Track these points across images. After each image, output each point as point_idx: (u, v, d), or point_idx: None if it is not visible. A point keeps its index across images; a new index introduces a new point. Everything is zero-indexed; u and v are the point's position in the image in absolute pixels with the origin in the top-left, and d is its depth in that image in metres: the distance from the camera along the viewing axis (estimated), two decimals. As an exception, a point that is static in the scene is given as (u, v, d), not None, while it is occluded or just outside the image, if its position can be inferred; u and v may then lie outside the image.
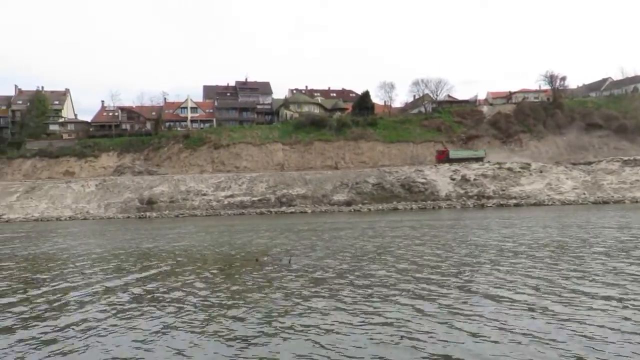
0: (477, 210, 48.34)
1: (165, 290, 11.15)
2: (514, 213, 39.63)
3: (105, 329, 7.95)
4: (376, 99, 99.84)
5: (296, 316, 8.30)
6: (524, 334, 6.84)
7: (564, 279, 10.78)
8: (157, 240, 25.09)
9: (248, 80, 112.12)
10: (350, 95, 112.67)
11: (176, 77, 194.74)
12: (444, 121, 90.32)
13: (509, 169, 63.01)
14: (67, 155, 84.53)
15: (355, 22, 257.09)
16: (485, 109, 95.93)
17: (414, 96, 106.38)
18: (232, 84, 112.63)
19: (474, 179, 60.15)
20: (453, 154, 73.57)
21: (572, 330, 6.96)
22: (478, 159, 71.37)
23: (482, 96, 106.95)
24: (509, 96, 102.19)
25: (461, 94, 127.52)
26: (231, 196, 60.46)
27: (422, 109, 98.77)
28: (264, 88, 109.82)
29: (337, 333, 7.20)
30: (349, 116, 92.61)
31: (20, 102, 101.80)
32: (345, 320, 7.86)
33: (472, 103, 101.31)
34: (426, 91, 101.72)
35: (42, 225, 46.80)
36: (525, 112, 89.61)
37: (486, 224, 28.74)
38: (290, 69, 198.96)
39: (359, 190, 59.54)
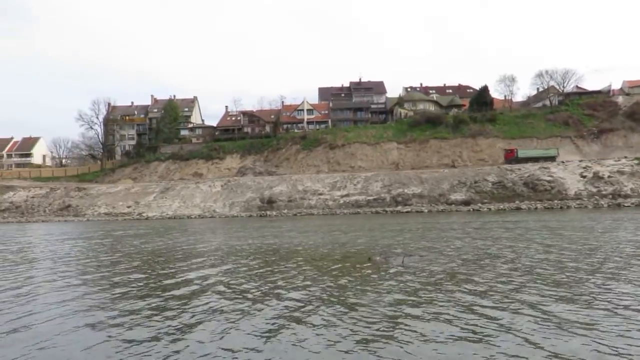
0: (613, 210, 44.21)
1: (274, 285, 11.56)
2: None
3: (214, 321, 8.48)
4: (495, 93, 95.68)
5: (405, 316, 8.24)
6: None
7: None
8: (274, 237, 26.16)
9: (362, 80, 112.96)
10: (467, 90, 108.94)
11: (293, 81, 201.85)
12: (572, 114, 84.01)
13: (651, 164, 56.83)
14: (196, 157, 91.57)
15: (472, 14, 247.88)
16: (620, 99, 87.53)
17: (538, 89, 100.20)
18: (347, 84, 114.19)
19: (609, 176, 55.05)
20: (522, 153, 70.49)
21: None
22: (549, 158, 67.31)
23: (616, 86, 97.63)
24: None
25: (592, 84, 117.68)
26: (346, 195, 61.19)
27: (547, 102, 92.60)
28: (378, 87, 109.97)
29: (438, 341, 7.03)
30: (466, 112, 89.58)
31: (155, 110, 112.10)
32: (451, 324, 7.69)
33: (605, 94, 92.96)
34: (551, 83, 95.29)
35: (173, 222, 50.90)
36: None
37: (619, 225, 26.19)
38: (405, 67, 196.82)
39: (478, 189, 57.25)
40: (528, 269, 12.60)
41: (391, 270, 13.13)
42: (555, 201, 52.29)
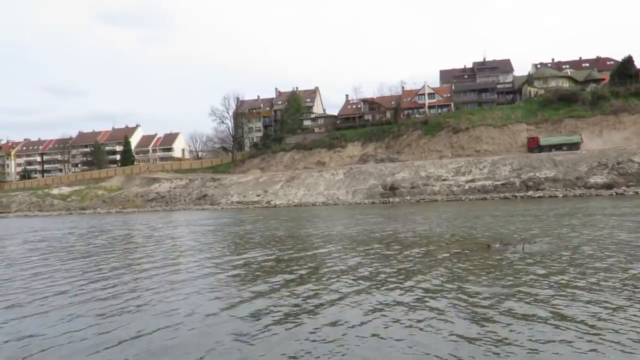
0: None
1: (391, 272, 11.46)
2: None
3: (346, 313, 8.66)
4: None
5: (519, 306, 7.77)
6: None
7: None
8: (395, 223, 26.12)
9: (486, 59, 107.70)
10: (607, 63, 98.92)
11: (412, 66, 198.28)
12: None
13: None
14: (319, 147, 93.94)
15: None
16: None
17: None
18: (469, 65, 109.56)
19: None
20: (543, 140, 68.91)
21: None
22: (572, 145, 65.11)
23: None
24: None
25: None
26: (472, 181, 59.04)
27: None
28: (504, 66, 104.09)
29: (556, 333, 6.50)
30: (606, 87, 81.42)
31: (279, 102, 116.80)
32: (567, 319, 7.03)
33: None
34: None
35: (300, 209, 52.86)
36: None
37: None
38: (534, 42, 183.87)
39: (622, 170, 51.97)
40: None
41: (509, 258, 12.45)
42: None
